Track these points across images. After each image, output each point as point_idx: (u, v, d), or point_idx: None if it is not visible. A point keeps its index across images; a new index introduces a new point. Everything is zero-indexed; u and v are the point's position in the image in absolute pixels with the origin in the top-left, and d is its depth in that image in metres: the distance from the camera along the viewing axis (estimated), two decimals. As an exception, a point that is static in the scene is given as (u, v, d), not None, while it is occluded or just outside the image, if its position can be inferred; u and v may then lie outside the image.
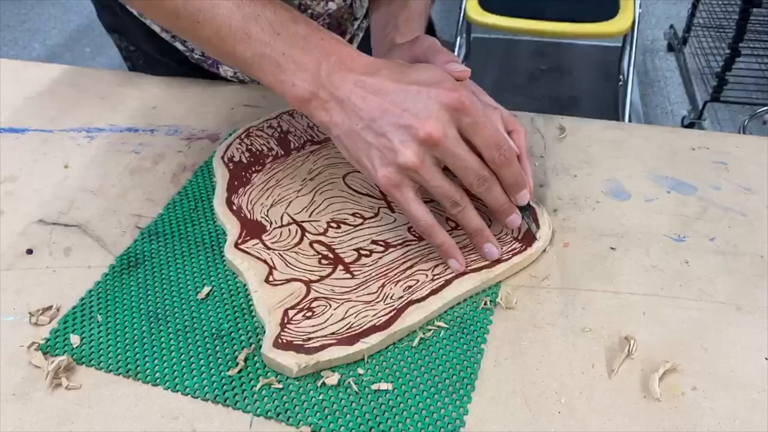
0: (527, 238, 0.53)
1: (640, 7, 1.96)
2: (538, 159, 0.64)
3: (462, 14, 2.08)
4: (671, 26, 2.79)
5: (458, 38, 2.21)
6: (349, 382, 0.44)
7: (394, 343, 0.47)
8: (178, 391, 0.44)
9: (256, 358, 0.46)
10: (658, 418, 0.42)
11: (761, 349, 0.46)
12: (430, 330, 0.48)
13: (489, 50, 2.73)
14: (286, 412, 0.42)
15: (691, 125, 2.25)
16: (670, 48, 2.80)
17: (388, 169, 0.48)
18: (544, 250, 0.54)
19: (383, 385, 0.44)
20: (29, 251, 0.55)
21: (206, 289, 0.51)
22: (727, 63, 2.15)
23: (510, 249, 0.53)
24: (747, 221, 0.57)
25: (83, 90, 0.77)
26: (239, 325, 0.48)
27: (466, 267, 0.51)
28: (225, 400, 0.44)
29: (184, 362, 0.46)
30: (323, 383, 0.44)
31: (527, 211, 0.53)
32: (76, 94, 0.76)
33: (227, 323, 0.49)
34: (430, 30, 1.10)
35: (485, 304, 0.50)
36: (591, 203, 0.59)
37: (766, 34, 2.30)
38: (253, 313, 0.49)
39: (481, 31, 2.65)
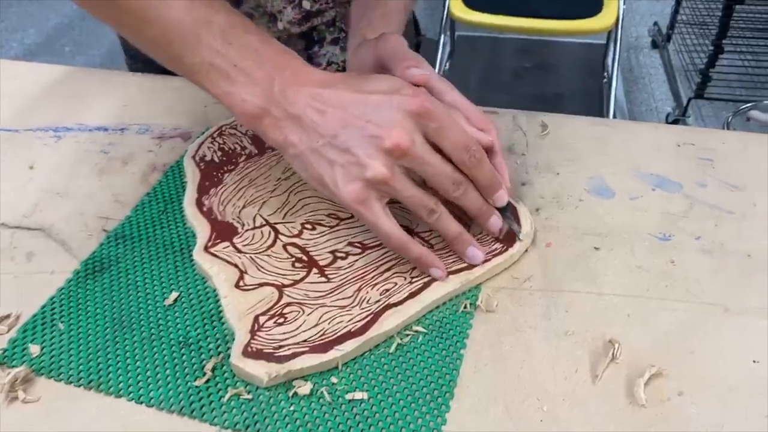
0: (508, 239, 0.52)
1: (624, 4, 1.96)
2: (520, 157, 0.63)
3: (446, 12, 2.06)
4: (655, 23, 2.79)
5: (442, 36, 2.20)
6: (322, 392, 0.42)
7: (370, 350, 0.45)
8: (142, 402, 0.42)
9: (224, 367, 0.44)
10: (644, 425, 0.40)
11: (750, 351, 0.45)
12: (407, 335, 0.46)
13: (473, 48, 2.72)
14: (255, 425, 0.40)
15: (675, 122, 2.25)
16: (654, 45, 2.80)
17: (355, 185, 0.45)
18: (526, 251, 0.53)
19: (358, 395, 0.42)
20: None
21: (174, 295, 0.49)
22: (711, 60, 2.16)
23: (491, 250, 0.51)
24: (734, 219, 0.56)
25: (52, 88, 0.74)
26: (208, 332, 0.46)
27: (446, 269, 0.49)
28: (191, 412, 0.41)
29: (149, 372, 0.44)
30: (295, 393, 0.42)
31: (507, 211, 0.52)
32: (44, 93, 0.74)
33: (195, 331, 0.46)
34: (415, 28, 1.08)
35: (465, 307, 0.48)
36: (574, 201, 0.58)
37: (749, 31, 2.30)
38: (222, 320, 0.47)
39: (465, 28, 2.64)
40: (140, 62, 0.80)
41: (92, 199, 0.59)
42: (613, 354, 0.44)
